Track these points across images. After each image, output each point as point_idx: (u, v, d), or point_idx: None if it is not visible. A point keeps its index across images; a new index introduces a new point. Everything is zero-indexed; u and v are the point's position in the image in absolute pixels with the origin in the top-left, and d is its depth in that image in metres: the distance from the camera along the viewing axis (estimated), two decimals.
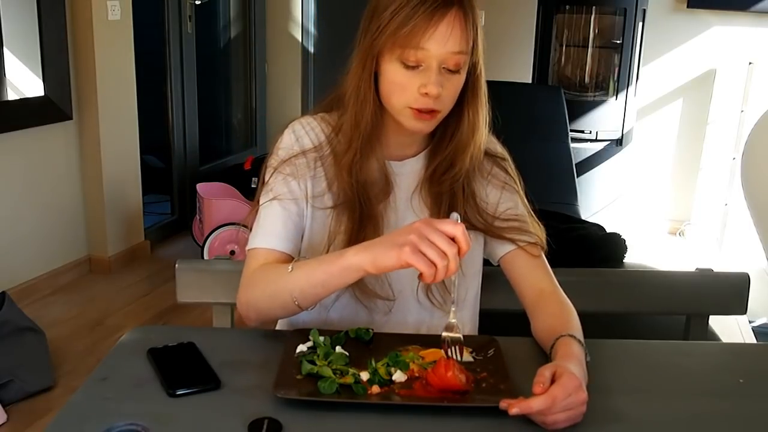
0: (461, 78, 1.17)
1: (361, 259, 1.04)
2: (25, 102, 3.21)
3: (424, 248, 0.98)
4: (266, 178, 1.26)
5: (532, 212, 1.34)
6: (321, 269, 1.10)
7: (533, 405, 0.96)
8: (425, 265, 0.98)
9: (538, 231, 1.32)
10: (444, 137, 1.26)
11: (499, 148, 1.35)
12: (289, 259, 1.22)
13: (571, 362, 1.05)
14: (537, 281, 1.30)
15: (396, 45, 1.13)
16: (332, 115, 1.28)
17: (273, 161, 1.27)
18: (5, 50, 3.14)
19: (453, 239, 0.99)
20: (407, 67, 1.14)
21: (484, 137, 1.26)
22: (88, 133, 3.48)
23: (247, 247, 1.24)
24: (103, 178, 3.52)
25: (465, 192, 1.27)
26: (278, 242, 1.22)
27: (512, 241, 1.30)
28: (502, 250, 1.32)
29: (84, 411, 1.00)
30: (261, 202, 1.25)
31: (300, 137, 1.27)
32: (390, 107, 1.20)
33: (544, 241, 1.32)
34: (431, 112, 1.16)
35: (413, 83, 1.14)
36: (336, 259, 1.08)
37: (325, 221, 1.25)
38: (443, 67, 1.14)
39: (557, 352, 1.10)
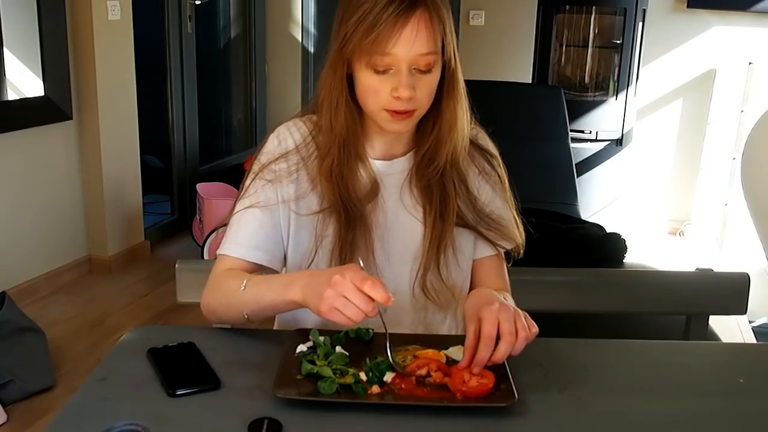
0: (434, 77, 1.17)
1: (302, 298, 1.08)
2: (25, 102, 3.21)
3: (339, 306, 1.01)
4: (246, 183, 1.28)
5: (516, 214, 1.34)
6: (269, 297, 1.14)
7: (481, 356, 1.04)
8: (342, 321, 1.02)
9: (517, 236, 1.33)
10: (425, 133, 1.26)
11: (490, 145, 1.35)
12: (255, 268, 1.25)
13: (475, 298, 1.15)
14: (496, 285, 1.32)
15: (363, 52, 1.14)
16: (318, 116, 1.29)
17: (254, 167, 1.28)
18: (5, 50, 3.14)
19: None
20: (377, 71, 1.15)
21: (464, 132, 1.26)
22: (88, 133, 3.48)
23: (217, 251, 1.27)
24: (103, 178, 3.52)
25: (456, 186, 1.27)
26: (245, 252, 1.24)
27: (493, 245, 1.32)
28: (481, 252, 1.34)
29: (84, 411, 1.00)
30: (237, 209, 1.26)
31: (283, 140, 1.27)
32: (366, 110, 1.21)
33: (522, 244, 1.34)
34: (407, 112, 1.17)
35: (385, 87, 1.15)
36: (283, 290, 1.11)
37: (311, 225, 1.25)
38: (414, 68, 1.15)
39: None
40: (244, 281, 1.17)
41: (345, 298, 1.00)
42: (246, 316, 1.19)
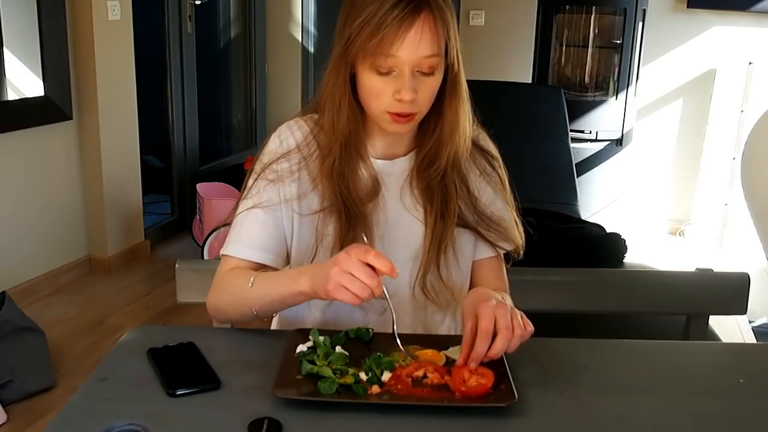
0: (437, 79, 1.18)
1: (309, 287, 1.09)
2: (25, 102, 3.21)
3: (345, 283, 1.02)
4: (248, 184, 1.28)
5: (516, 215, 1.35)
6: (277, 291, 1.16)
7: (479, 351, 1.05)
8: (350, 299, 1.03)
9: (517, 237, 1.33)
10: (426, 134, 1.26)
11: (491, 147, 1.35)
12: (259, 268, 1.25)
13: (473, 296, 1.15)
14: (495, 286, 1.32)
15: (367, 54, 1.14)
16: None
17: (256, 167, 1.28)
18: (5, 50, 3.14)
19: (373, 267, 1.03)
20: (380, 73, 1.15)
21: (467, 135, 1.26)
22: (88, 133, 3.48)
23: (221, 251, 1.27)
24: (103, 178, 3.52)
25: (457, 186, 1.28)
26: (249, 252, 1.25)
27: (494, 246, 1.32)
28: (481, 253, 1.34)
29: (84, 411, 1.00)
30: (240, 209, 1.27)
31: (284, 139, 1.27)
32: (368, 111, 1.21)
33: (522, 246, 1.34)
34: (408, 115, 1.17)
35: (387, 89, 1.15)
36: (290, 283, 1.13)
37: (312, 224, 1.26)
38: (417, 71, 1.15)
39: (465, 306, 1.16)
40: (252, 278, 1.18)
41: (350, 275, 1.02)
42: (254, 312, 1.20)
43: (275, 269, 1.27)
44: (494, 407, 1.00)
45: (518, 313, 1.10)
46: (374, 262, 1.02)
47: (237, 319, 1.29)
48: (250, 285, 1.18)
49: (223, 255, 1.27)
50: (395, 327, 1.11)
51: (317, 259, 1.25)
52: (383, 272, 1.03)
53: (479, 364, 1.06)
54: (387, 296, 1.08)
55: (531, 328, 1.09)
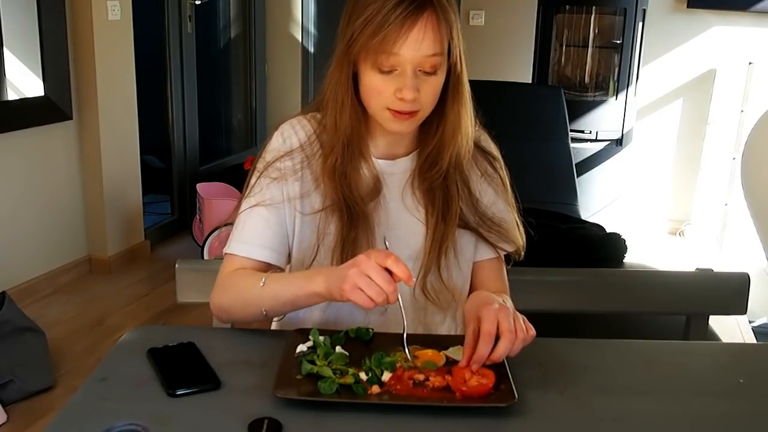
0: (439, 79, 1.17)
1: (325, 288, 1.09)
2: (25, 102, 3.21)
3: (362, 285, 1.03)
4: (251, 182, 1.28)
5: (517, 216, 1.35)
6: (290, 291, 1.15)
7: (482, 352, 1.04)
8: (364, 302, 1.04)
9: (518, 239, 1.33)
10: (429, 135, 1.26)
11: (493, 148, 1.35)
12: (263, 266, 1.25)
13: (475, 300, 1.15)
14: (495, 287, 1.32)
15: (369, 52, 1.14)
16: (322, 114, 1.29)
17: (259, 165, 1.28)
18: (5, 50, 3.14)
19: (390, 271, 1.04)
20: (382, 72, 1.15)
21: (469, 136, 1.26)
22: (88, 133, 3.48)
23: (224, 250, 1.27)
24: (103, 178, 3.52)
25: (459, 188, 1.28)
26: (253, 250, 1.24)
27: (494, 248, 1.32)
28: (482, 254, 1.34)
29: (84, 411, 1.00)
30: (243, 207, 1.27)
31: (287, 138, 1.27)
32: (369, 110, 1.21)
33: (523, 247, 1.34)
34: (410, 113, 1.17)
35: (389, 87, 1.15)
36: (304, 283, 1.13)
37: (313, 223, 1.26)
38: (419, 70, 1.14)
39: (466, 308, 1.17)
40: (263, 278, 1.18)
41: (368, 278, 1.02)
42: (264, 312, 1.20)
43: (278, 267, 1.27)
44: (494, 407, 1.00)
45: (520, 317, 1.10)
46: (393, 267, 1.02)
47: (244, 320, 1.28)
48: (262, 285, 1.17)
49: (226, 253, 1.26)
50: (405, 335, 1.11)
51: (318, 258, 1.25)
52: (400, 278, 1.03)
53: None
54: (401, 304, 1.08)
55: (533, 332, 1.08)
